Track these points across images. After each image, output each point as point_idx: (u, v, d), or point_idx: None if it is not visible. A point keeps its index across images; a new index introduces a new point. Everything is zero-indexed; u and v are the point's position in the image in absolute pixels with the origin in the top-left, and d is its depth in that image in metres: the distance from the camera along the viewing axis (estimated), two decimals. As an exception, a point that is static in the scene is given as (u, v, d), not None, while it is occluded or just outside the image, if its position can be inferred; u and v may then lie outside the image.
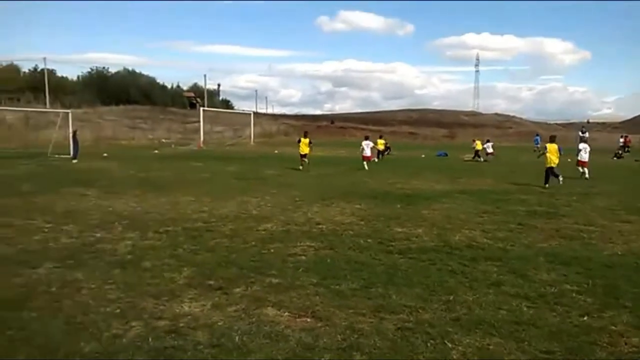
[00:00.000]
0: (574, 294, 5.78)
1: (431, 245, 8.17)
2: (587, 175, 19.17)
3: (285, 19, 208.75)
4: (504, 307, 5.33)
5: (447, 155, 35.73)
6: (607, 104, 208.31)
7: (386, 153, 37.65)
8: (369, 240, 8.36)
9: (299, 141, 23.13)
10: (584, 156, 20.23)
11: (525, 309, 5.31)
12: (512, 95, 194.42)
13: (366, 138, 24.73)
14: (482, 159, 30.61)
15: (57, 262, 6.85)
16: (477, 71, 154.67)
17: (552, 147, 17.08)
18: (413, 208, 11.80)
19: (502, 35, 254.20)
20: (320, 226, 9.53)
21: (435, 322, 4.90)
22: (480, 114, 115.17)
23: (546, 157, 17.14)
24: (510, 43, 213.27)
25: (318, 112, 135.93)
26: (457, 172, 22.02)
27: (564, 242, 8.47)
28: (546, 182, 16.61)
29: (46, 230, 8.91)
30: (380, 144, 30.82)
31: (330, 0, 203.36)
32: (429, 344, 4.44)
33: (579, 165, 20.19)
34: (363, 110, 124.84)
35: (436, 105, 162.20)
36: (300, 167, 22.14)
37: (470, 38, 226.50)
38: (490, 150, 32.22)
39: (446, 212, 11.39)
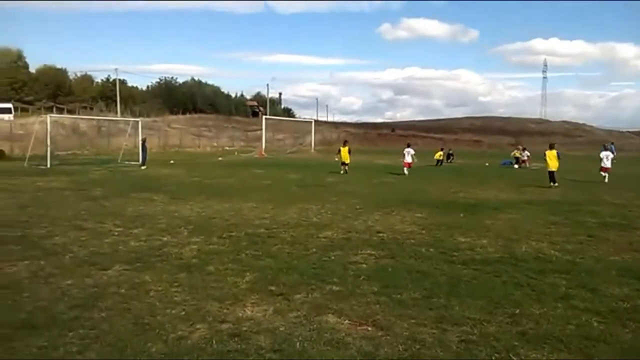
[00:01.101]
0: (649, 311, 5.46)
1: (496, 256, 7.94)
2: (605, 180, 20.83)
3: (347, 27, 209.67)
4: (573, 322, 5.11)
5: (512, 164, 34.67)
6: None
7: (448, 161, 37.13)
8: (430, 250, 8.23)
9: (339, 151, 24.88)
10: (606, 163, 21.79)
11: (595, 324, 5.07)
12: (582, 103, 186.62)
13: (408, 145, 25.19)
14: (517, 166, 31.60)
15: (126, 264, 7.13)
16: (544, 77, 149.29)
17: (550, 154, 19.48)
18: (477, 218, 11.53)
19: (571, 40, 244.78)
20: (380, 234, 9.47)
21: (500, 336, 4.76)
22: (548, 121, 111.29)
23: (546, 162, 19.56)
24: (579, 48, 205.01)
25: (379, 119, 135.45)
26: (524, 181, 21.33)
27: (638, 256, 8.03)
28: (552, 181, 18.90)
29: (116, 233, 9.30)
30: (438, 155, 32.43)
31: (396, 3, 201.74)
32: (493, 358, 4.32)
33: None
34: (425, 118, 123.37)
35: (501, 112, 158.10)
36: (341, 172, 23.78)
37: (537, 43, 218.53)
38: (525, 157, 33.01)
39: (511, 222, 11.06)
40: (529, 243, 8.87)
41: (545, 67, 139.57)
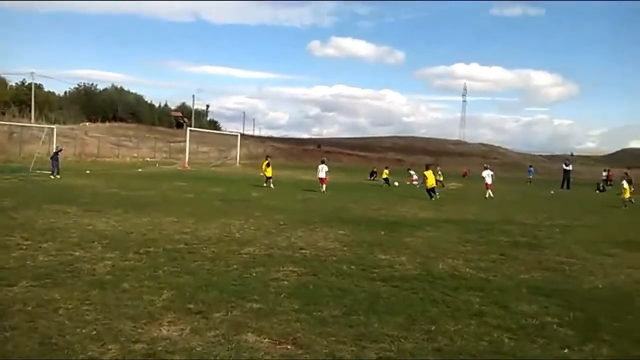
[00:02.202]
0: (555, 326, 5.77)
1: (414, 273, 8.14)
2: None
3: (277, 42, 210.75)
4: (486, 338, 5.30)
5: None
6: (591, 137, 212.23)
7: (371, 178, 38.01)
8: (352, 267, 8.31)
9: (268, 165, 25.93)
10: (488, 180, 25.40)
11: (506, 340, 5.29)
12: (499, 126, 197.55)
13: (322, 162, 25.73)
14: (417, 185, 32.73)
15: (34, 280, 6.69)
16: (464, 101, 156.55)
17: (428, 174, 23.31)
18: (397, 235, 11.80)
19: (490, 66, 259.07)
20: (303, 251, 9.47)
21: (416, 352, 4.86)
22: (466, 143, 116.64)
23: (425, 181, 23.37)
24: (498, 74, 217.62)
25: (305, 135, 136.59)
26: (441, 201, 22.12)
27: (546, 274, 8.50)
28: (431, 197, 22.44)
29: (24, 247, 8.73)
30: (385, 174, 33.37)
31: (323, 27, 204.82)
32: (410, 375, 4.39)
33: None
34: (350, 136, 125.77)
35: (423, 133, 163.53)
36: (265, 185, 24.85)
37: (459, 68, 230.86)
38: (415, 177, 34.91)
39: (429, 240, 11.40)
40: (446, 261, 9.16)
41: (465, 91, 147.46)
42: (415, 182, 34.27)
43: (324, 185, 24.16)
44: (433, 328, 5.53)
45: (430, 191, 22.79)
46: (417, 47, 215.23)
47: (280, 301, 6.27)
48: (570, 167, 37.36)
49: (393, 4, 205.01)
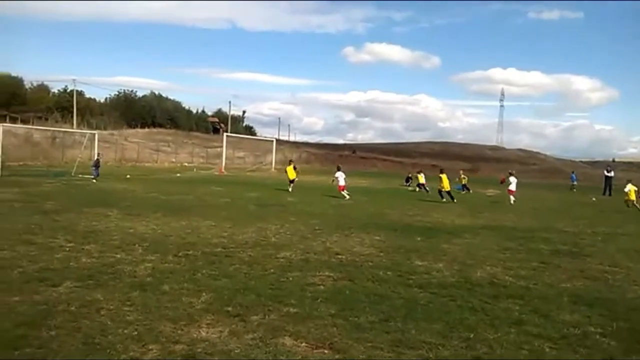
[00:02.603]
0: (597, 336, 5.61)
1: (452, 280, 8.04)
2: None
3: (312, 48, 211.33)
4: (526, 347, 5.20)
5: (463, 188, 35.40)
6: (633, 143, 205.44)
7: (407, 184, 37.75)
8: (388, 273, 8.27)
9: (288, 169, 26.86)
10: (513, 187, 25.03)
11: (547, 349, 5.17)
12: (537, 132, 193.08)
13: (338, 169, 25.24)
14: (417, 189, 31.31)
15: (78, 281, 6.90)
16: (501, 106, 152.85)
17: (443, 177, 24.16)
18: (434, 241, 11.68)
19: (528, 71, 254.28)
20: (339, 256, 9.48)
21: (455, 360, 4.80)
22: (504, 148, 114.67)
23: (441, 183, 24.09)
24: (536, 79, 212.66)
25: (340, 141, 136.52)
26: (479, 207, 21.81)
27: (588, 283, 8.27)
28: (442, 197, 23.94)
29: (68, 249, 9.00)
30: (420, 178, 31.71)
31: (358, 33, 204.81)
32: (448, 383, 4.33)
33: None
34: (385, 141, 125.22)
35: (459, 138, 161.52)
36: (290, 190, 25.32)
37: (496, 73, 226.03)
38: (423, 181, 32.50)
39: (467, 247, 11.25)
40: (484, 268, 9.02)
41: (502, 96, 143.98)
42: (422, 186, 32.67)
43: (345, 192, 23.64)
44: (472, 336, 5.45)
45: (444, 193, 24.18)
46: (453, 52, 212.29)
47: (316, 306, 6.28)
48: (612, 174, 36.29)
49: (428, 9, 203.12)
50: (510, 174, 26.33)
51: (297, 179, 26.66)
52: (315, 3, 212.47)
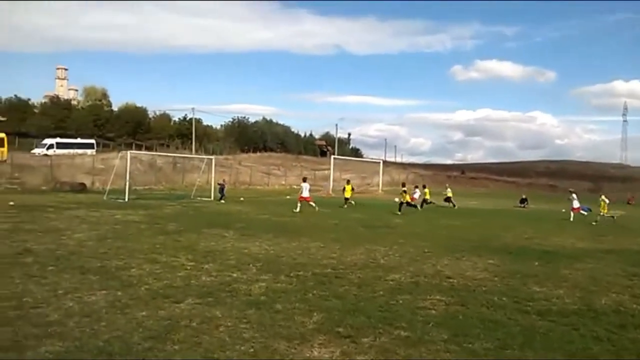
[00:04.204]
0: None
1: (573, 308, 7.53)
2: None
3: (418, 68, 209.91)
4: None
5: (590, 210, 32.97)
6: None
7: (522, 205, 35.96)
8: (503, 299, 7.91)
9: (344, 189, 29.11)
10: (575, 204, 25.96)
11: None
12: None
13: (304, 180, 26.04)
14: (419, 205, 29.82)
15: (198, 298, 7.30)
16: (624, 121, 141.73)
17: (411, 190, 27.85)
18: (553, 266, 11.02)
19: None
20: (450, 280, 9.23)
21: (580, 395, 4.48)
22: (629, 166, 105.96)
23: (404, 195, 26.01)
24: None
25: (449, 161, 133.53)
26: (602, 230, 20.27)
27: None
28: (414, 207, 27.09)
29: (189, 267, 9.56)
30: (427, 194, 31.69)
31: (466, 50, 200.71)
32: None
33: None
34: (497, 161, 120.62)
35: (578, 156, 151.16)
36: (345, 206, 27.43)
37: (618, 86, 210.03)
38: (416, 195, 30.70)
39: (590, 272, 10.49)
40: (609, 295, 8.36)
41: (625, 110, 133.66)
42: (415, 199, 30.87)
43: (311, 202, 24.34)
44: (598, 368, 5.06)
45: (410, 205, 26.13)
46: (569, 66, 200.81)
47: (428, 330, 6.16)
48: None
49: (541, 23, 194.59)
50: (571, 192, 26.95)
51: (351, 198, 28.48)
52: (422, 23, 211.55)
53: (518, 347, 5.63)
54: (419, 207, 28.85)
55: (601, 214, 24.85)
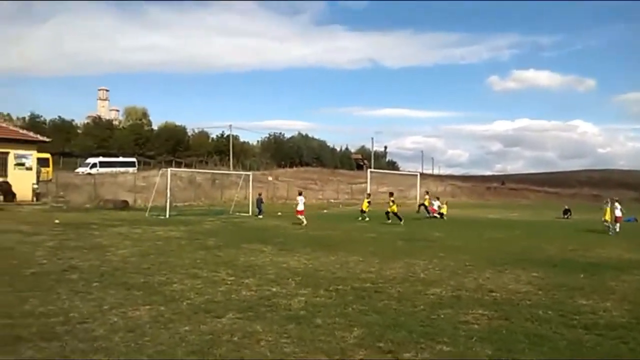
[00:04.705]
0: None
1: (622, 321, 7.29)
2: None
3: (454, 80, 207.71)
4: None
5: (636, 220, 31.92)
6: None
7: (565, 216, 35.10)
8: (548, 312, 7.71)
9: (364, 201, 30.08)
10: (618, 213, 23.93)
11: None
12: None
13: (300, 194, 26.49)
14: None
15: (239, 313, 7.36)
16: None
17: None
18: (599, 278, 10.69)
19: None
20: (493, 294, 9.04)
21: (633, 412, 4.32)
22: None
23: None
24: None
25: (487, 172, 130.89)
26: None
27: None
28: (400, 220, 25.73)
29: (229, 282, 9.66)
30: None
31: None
32: None
33: None
34: (537, 171, 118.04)
35: (622, 165, 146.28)
36: (360, 219, 28.29)
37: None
38: (435, 206, 31.97)
39: (638, 284, 10.15)
40: (662, 308, 8.05)
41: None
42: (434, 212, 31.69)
43: (302, 217, 24.34)
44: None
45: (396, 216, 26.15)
46: (611, 73, 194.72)
47: (471, 345, 6.05)
48: None
49: (581, 31, 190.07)
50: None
51: (367, 211, 29.31)
52: (456, 35, 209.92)
53: (565, 363, 5.47)
54: (439, 216, 30.72)
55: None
